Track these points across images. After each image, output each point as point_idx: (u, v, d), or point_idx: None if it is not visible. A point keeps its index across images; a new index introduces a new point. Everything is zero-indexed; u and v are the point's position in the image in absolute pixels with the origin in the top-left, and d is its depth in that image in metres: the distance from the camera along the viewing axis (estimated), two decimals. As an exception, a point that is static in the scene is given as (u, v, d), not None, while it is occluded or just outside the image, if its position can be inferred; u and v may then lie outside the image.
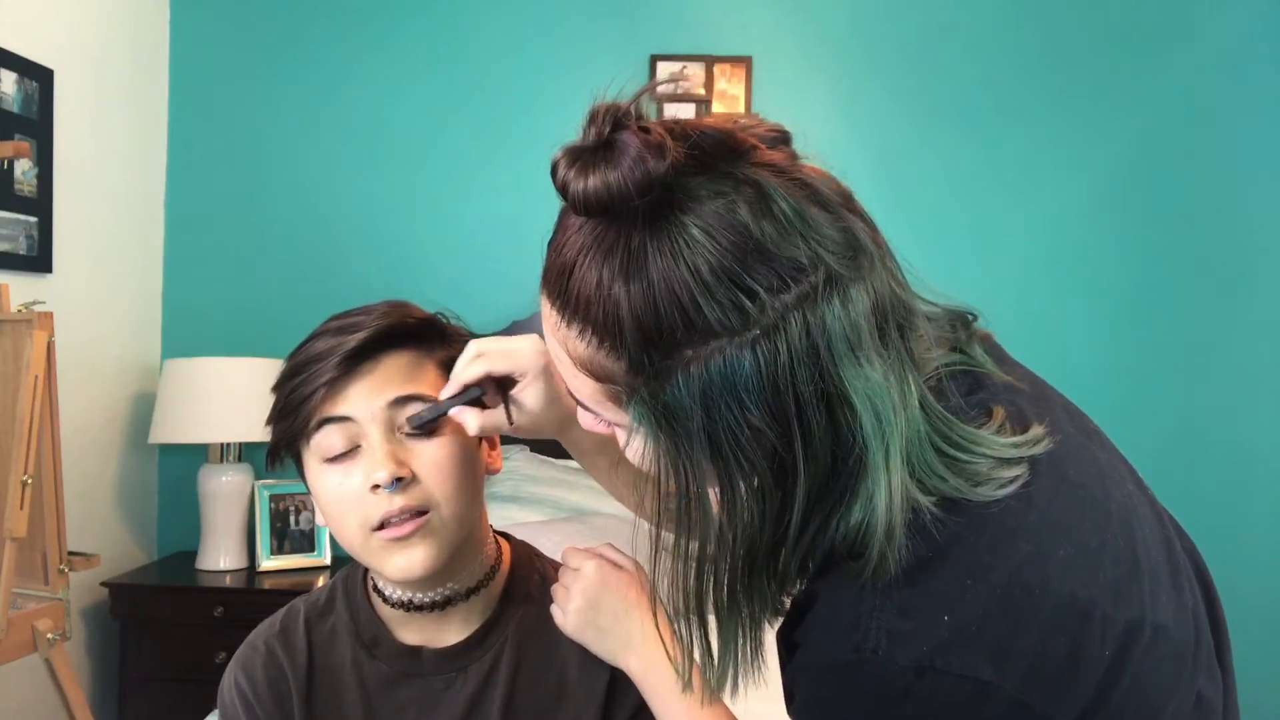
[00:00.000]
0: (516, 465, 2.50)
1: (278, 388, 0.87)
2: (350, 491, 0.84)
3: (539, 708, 0.89)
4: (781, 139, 0.60)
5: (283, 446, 0.88)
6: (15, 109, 2.20)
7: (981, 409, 0.63)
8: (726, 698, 0.70)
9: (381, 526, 0.84)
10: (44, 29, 2.29)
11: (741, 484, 0.58)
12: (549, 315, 0.62)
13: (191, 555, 2.54)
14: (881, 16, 2.68)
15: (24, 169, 2.22)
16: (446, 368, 0.88)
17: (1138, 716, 0.58)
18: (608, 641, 0.86)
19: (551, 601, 0.92)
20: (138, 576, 2.45)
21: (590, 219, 0.58)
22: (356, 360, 0.84)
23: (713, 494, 0.59)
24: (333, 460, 0.85)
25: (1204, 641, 0.64)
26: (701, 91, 2.67)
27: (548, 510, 2.34)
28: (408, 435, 0.85)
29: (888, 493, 0.57)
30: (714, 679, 0.66)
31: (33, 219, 2.25)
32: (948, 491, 0.59)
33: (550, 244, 0.62)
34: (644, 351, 0.56)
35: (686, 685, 0.71)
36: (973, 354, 0.66)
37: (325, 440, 0.85)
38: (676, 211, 0.55)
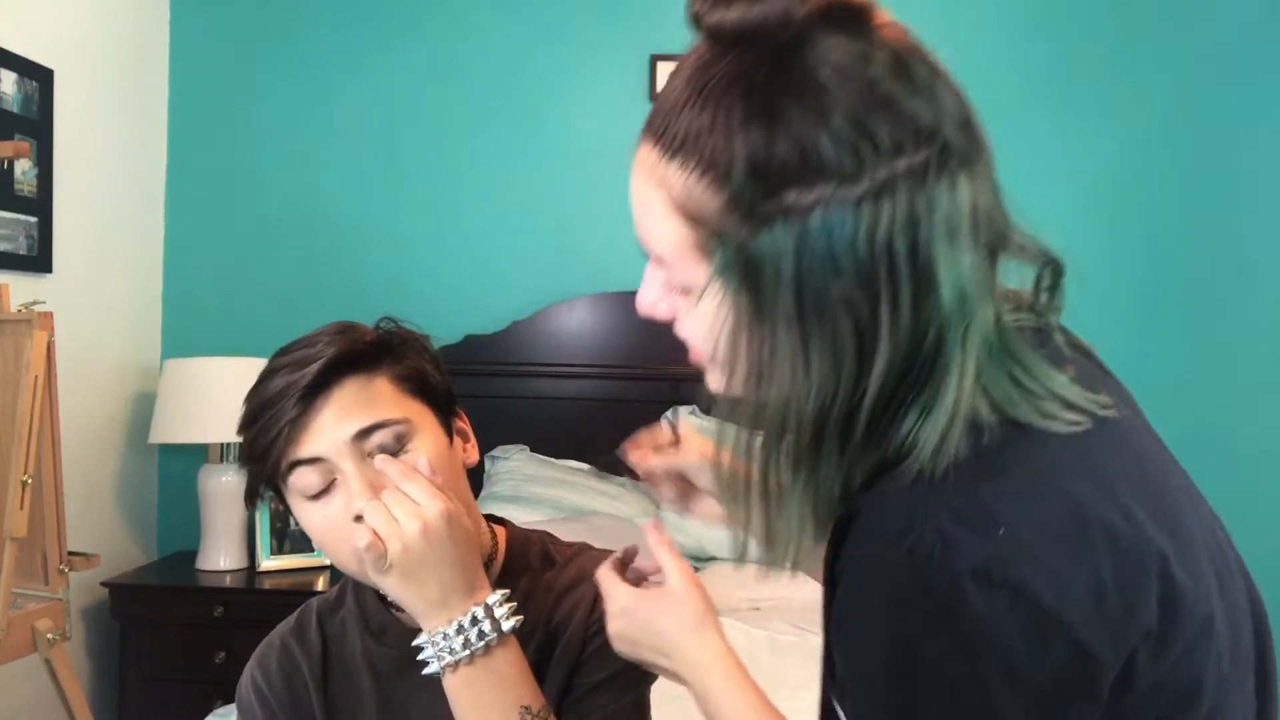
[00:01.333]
0: (516, 465, 2.50)
1: (242, 431, 0.88)
2: (335, 524, 0.86)
3: (539, 662, 0.90)
4: (907, 30, 0.60)
5: (260, 487, 0.89)
6: (15, 109, 2.20)
7: (1050, 363, 0.62)
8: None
9: None
10: (44, 29, 2.29)
11: (817, 348, 0.56)
12: (646, 159, 0.59)
13: (191, 555, 2.54)
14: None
15: (24, 169, 2.22)
16: (398, 381, 0.89)
17: (1177, 695, 0.56)
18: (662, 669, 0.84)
19: (552, 566, 0.96)
20: (138, 576, 2.45)
21: (716, 53, 0.57)
22: (313, 394, 0.85)
23: (786, 358, 0.57)
24: (312, 497, 0.86)
25: (1242, 657, 0.62)
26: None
27: (548, 510, 2.34)
28: (381, 458, 0.86)
29: (958, 382, 0.56)
30: (774, 557, 0.64)
31: (33, 219, 2.25)
32: (1013, 413, 0.58)
33: (660, 92, 0.60)
34: (750, 183, 0.54)
35: (743, 558, 0.68)
36: (1050, 318, 0.65)
37: (300, 481, 0.86)
38: (808, 55, 0.55)
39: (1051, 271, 0.65)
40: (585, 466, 2.55)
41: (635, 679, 0.91)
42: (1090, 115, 2.67)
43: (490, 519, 1.03)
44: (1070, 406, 0.59)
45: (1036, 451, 0.57)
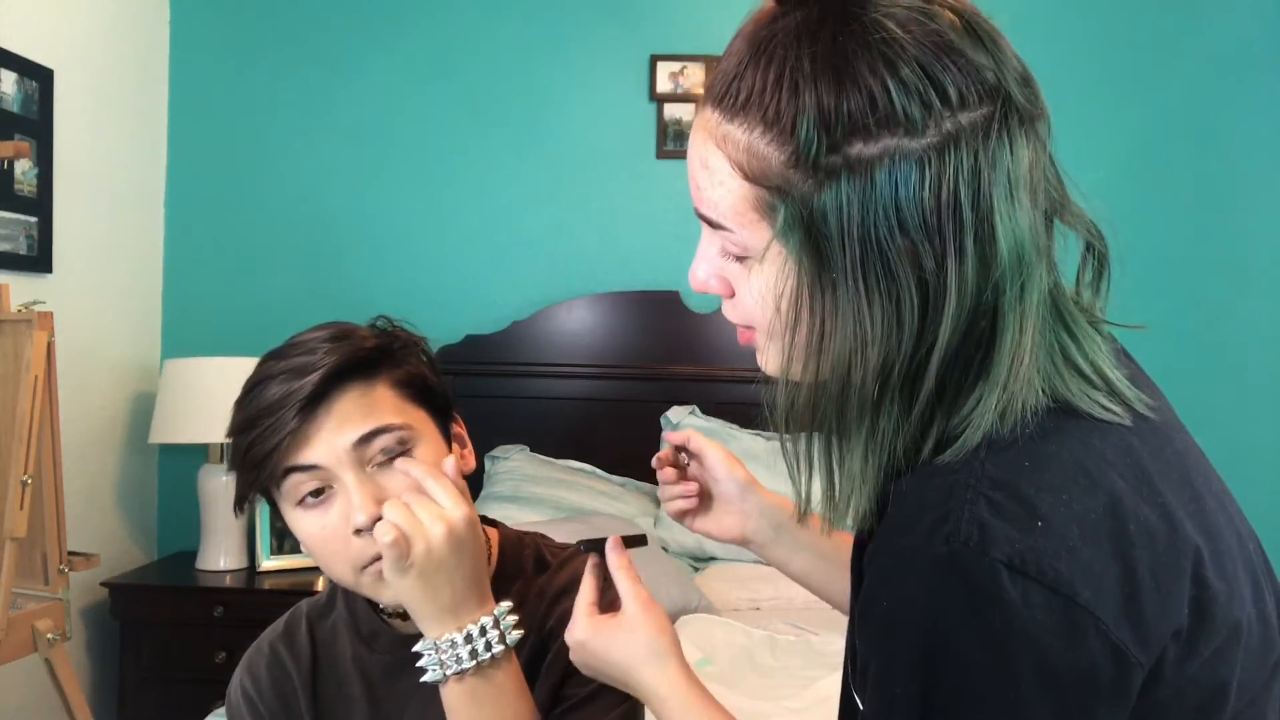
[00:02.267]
0: (516, 465, 2.50)
1: (233, 436, 0.86)
2: (333, 534, 0.83)
3: (530, 668, 0.89)
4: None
5: (250, 493, 0.87)
6: (15, 109, 2.20)
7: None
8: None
9: (373, 561, 0.83)
10: (44, 29, 2.29)
11: (882, 304, 0.56)
12: (707, 122, 0.59)
13: (191, 555, 2.54)
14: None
15: (24, 169, 2.22)
16: (398, 387, 0.87)
17: (1202, 698, 0.56)
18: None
19: (545, 570, 0.95)
20: (138, 576, 2.45)
21: (780, 12, 0.57)
22: (314, 405, 0.82)
23: (850, 316, 0.57)
24: (307, 505, 0.84)
25: (1275, 665, 0.61)
26: (701, 91, 2.67)
27: (548, 510, 2.34)
28: (380, 466, 0.84)
29: (1014, 346, 0.56)
30: (833, 514, 0.64)
31: (33, 219, 2.25)
32: (1060, 391, 0.58)
33: (721, 57, 0.61)
34: (816, 136, 0.54)
35: (805, 510, 0.67)
36: (1096, 313, 0.65)
37: (295, 487, 0.84)
38: (872, 10, 0.55)
39: (1096, 257, 0.66)
40: (585, 466, 2.55)
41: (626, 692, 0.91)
42: (1089, 116, 2.67)
43: (486, 521, 1.02)
44: (1115, 395, 0.59)
45: (1079, 442, 0.57)
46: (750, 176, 0.58)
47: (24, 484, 1.63)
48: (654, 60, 2.69)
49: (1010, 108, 0.56)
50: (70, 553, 1.77)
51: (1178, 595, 0.54)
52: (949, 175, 0.54)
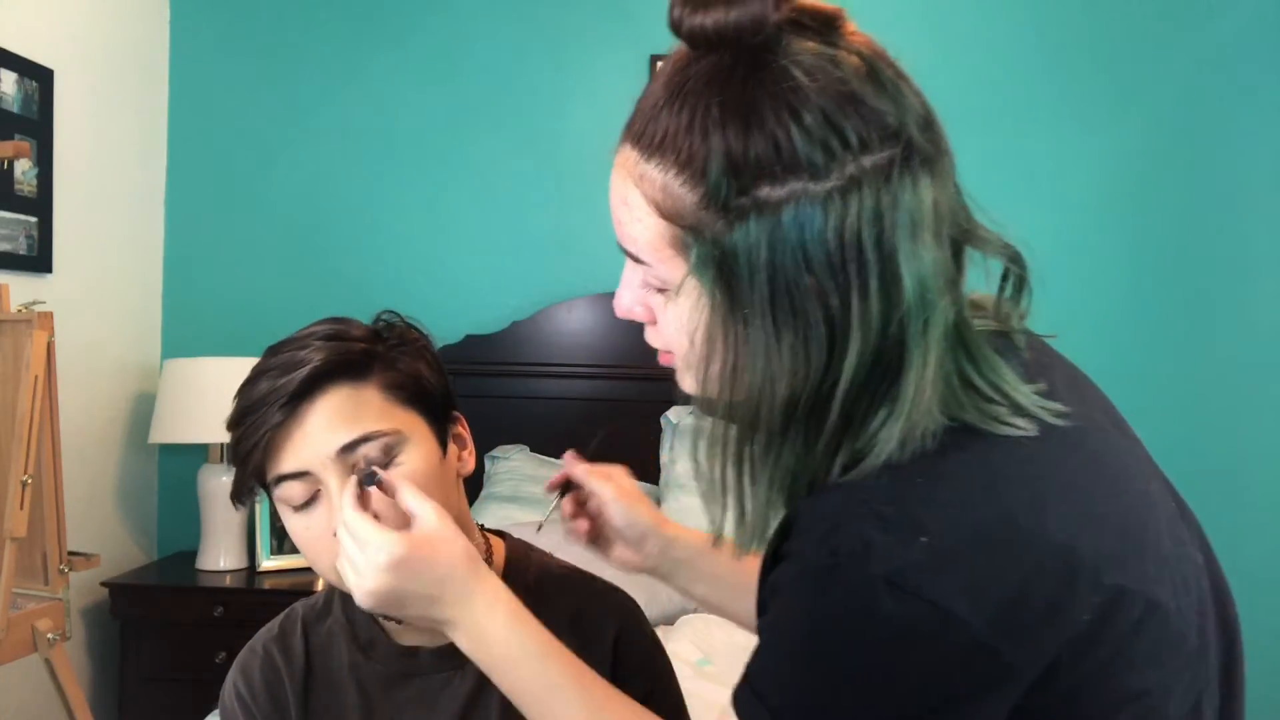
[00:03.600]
0: (516, 465, 2.50)
1: (229, 429, 0.87)
2: (317, 536, 0.84)
3: None
4: (873, 39, 0.63)
5: (247, 486, 0.87)
6: (15, 109, 2.20)
7: (1007, 365, 0.63)
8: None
9: None
10: (44, 29, 2.29)
11: (789, 338, 0.58)
12: (626, 159, 0.63)
13: (191, 555, 2.54)
14: (880, 16, 2.67)
15: (24, 169, 2.22)
16: (389, 390, 0.86)
17: (1114, 694, 0.58)
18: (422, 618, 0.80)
19: (541, 593, 0.90)
20: (138, 576, 2.45)
21: (694, 56, 0.59)
22: (298, 402, 0.82)
23: (760, 348, 0.59)
24: (297, 508, 0.85)
25: (1210, 655, 0.63)
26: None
27: (548, 510, 2.34)
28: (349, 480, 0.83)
29: (920, 374, 0.58)
30: (743, 538, 0.66)
31: (33, 219, 2.25)
32: (958, 414, 0.60)
33: (641, 95, 0.63)
34: (724, 180, 0.57)
35: (719, 540, 0.70)
36: (1011, 326, 0.67)
37: (286, 493, 0.85)
38: (781, 57, 0.57)
39: (1015, 270, 0.67)
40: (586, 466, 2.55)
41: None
42: (1089, 116, 2.67)
43: (491, 532, 1.01)
44: (1020, 411, 0.60)
45: (977, 459, 0.59)
46: (666, 215, 0.60)
47: (24, 484, 1.63)
48: (654, 60, 2.69)
49: (911, 150, 0.58)
50: (70, 553, 1.77)
51: (1072, 603, 0.56)
52: (852, 216, 0.56)
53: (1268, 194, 2.65)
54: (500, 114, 2.73)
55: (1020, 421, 0.60)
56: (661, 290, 0.64)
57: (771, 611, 0.63)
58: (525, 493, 2.40)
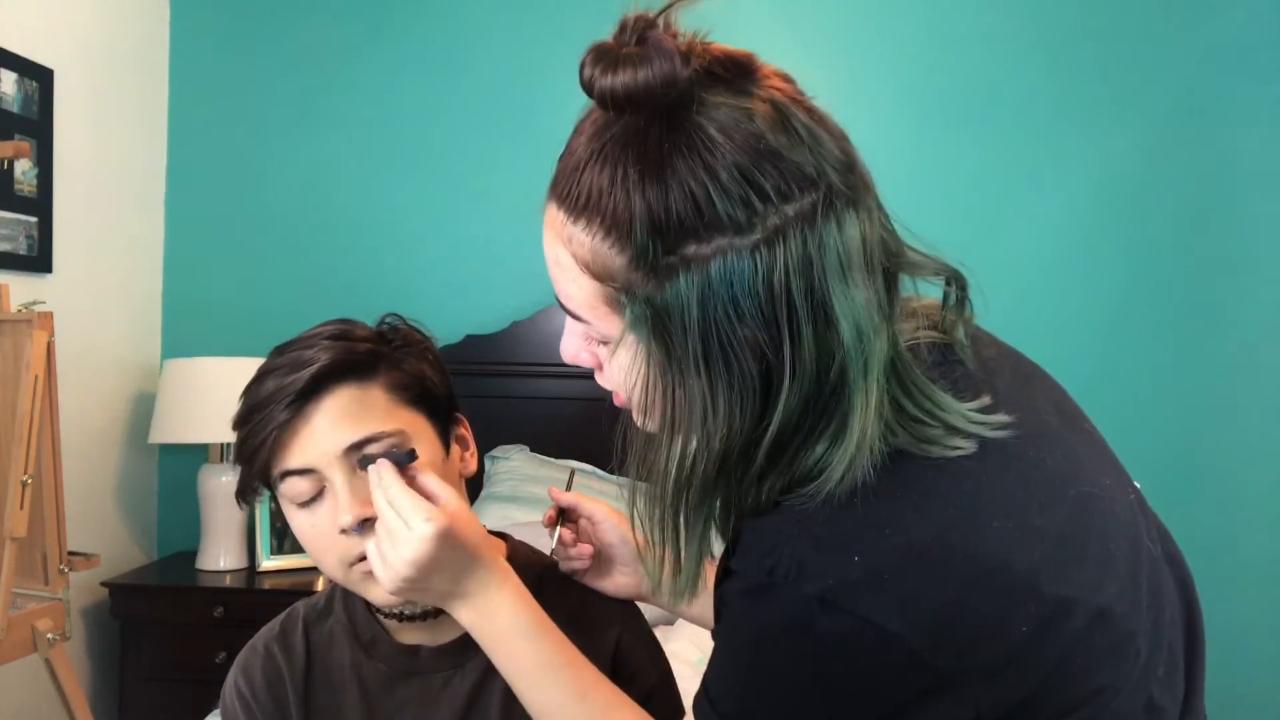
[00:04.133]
0: (516, 465, 2.50)
1: (235, 428, 0.87)
2: (322, 532, 0.85)
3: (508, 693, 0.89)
4: (788, 79, 0.62)
5: (252, 485, 0.88)
6: (15, 109, 2.20)
7: (948, 381, 0.64)
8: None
9: (361, 559, 0.84)
10: (44, 29, 2.29)
11: (725, 390, 0.59)
12: (554, 220, 0.63)
13: (191, 555, 2.54)
14: (881, 17, 2.68)
15: (24, 169, 2.22)
16: (394, 390, 0.87)
17: (1059, 697, 0.58)
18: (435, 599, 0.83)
19: (547, 593, 0.91)
20: (138, 576, 2.45)
21: (609, 116, 0.60)
22: (304, 401, 0.84)
23: (697, 401, 0.60)
24: (301, 505, 0.86)
25: (1167, 646, 0.64)
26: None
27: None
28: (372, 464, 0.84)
29: (863, 409, 0.59)
30: (679, 585, 0.67)
31: (33, 219, 2.25)
32: (892, 441, 0.60)
33: (563, 153, 0.63)
34: (650, 241, 0.57)
35: (657, 589, 0.73)
36: (954, 333, 0.68)
37: (291, 489, 0.85)
38: (695, 114, 0.57)
39: (956, 290, 0.68)
40: (585, 466, 2.55)
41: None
42: (1089, 116, 2.67)
43: (492, 533, 1.01)
44: (954, 431, 0.61)
45: (909, 480, 0.60)
46: (597, 276, 0.61)
47: (24, 484, 1.63)
48: (654, 60, 2.69)
49: (832, 194, 0.58)
50: (70, 553, 1.77)
51: (1008, 614, 0.57)
52: (780, 266, 0.57)
53: (1268, 194, 2.65)
54: (501, 114, 2.73)
55: (956, 441, 0.61)
56: (604, 342, 0.65)
57: (721, 623, 0.66)
58: (525, 493, 2.40)
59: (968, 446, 0.61)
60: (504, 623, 0.79)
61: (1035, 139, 2.67)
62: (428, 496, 0.80)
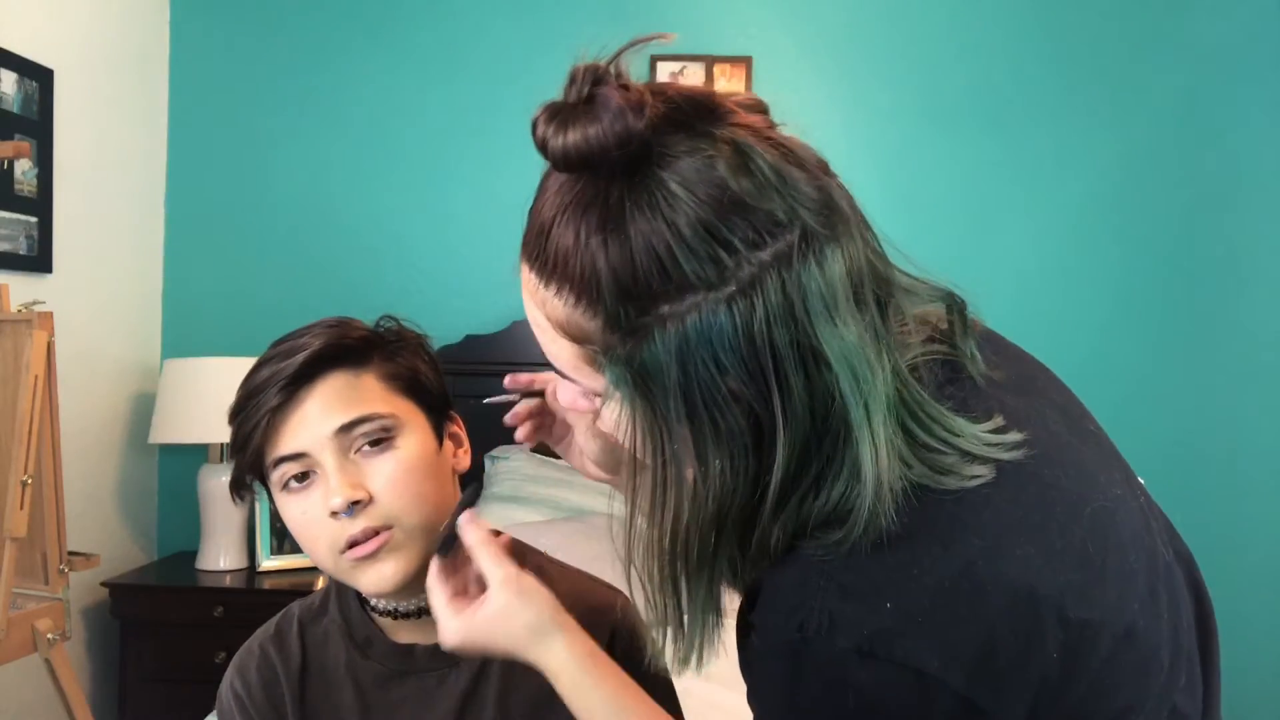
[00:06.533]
0: (516, 465, 2.50)
1: (230, 420, 0.89)
2: (313, 518, 0.85)
3: (534, 700, 0.89)
4: (758, 107, 0.60)
5: (245, 477, 0.89)
6: (15, 109, 2.20)
7: (957, 401, 0.61)
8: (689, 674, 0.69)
9: (350, 546, 0.84)
10: (44, 29, 2.29)
11: (715, 447, 0.57)
12: (528, 280, 0.61)
13: (191, 555, 2.54)
14: (881, 17, 2.68)
15: (24, 169, 2.22)
16: (388, 380, 0.89)
17: (1098, 717, 0.57)
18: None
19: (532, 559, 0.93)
20: (138, 576, 2.45)
21: (569, 176, 0.58)
22: (296, 385, 0.85)
23: (687, 459, 0.58)
24: (293, 490, 0.86)
25: (1186, 651, 0.63)
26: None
27: (548, 510, 2.34)
28: (363, 452, 0.86)
29: (873, 452, 0.56)
30: (681, 653, 0.65)
31: (33, 219, 2.25)
32: (910, 477, 0.58)
33: (530, 210, 0.61)
34: (620, 307, 0.55)
35: (658, 655, 0.70)
36: (961, 346, 0.65)
37: (283, 476, 0.86)
38: (655, 167, 0.55)
39: (954, 315, 0.65)
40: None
41: None
42: (1089, 116, 2.67)
43: (492, 533, 1.02)
44: (970, 458, 0.59)
45: (931, 516, 0.57)
46: (575, 339, 0.59)
47: (24, 484, 1.63)
48: (654, 61, 2.69)
49: (808, 234, 0.55)
50: (70, 553, 1.77)
51: (1040, 644, 0.56)
52: (759, 316, 0.54)
53: (1267, 194, 2.65)
54: (500, 114, 2.73)
55: (973, 469, 0.58)
56: (596, 396, 0.63)
57: (753, 691, 0.64)
58: (525, 493, 2.40)
59: (985, 474, 0.58)
60: (568, 690, 0.79)
61: (1035, 139, 2.67)
62: (482, 578, 0.81)
